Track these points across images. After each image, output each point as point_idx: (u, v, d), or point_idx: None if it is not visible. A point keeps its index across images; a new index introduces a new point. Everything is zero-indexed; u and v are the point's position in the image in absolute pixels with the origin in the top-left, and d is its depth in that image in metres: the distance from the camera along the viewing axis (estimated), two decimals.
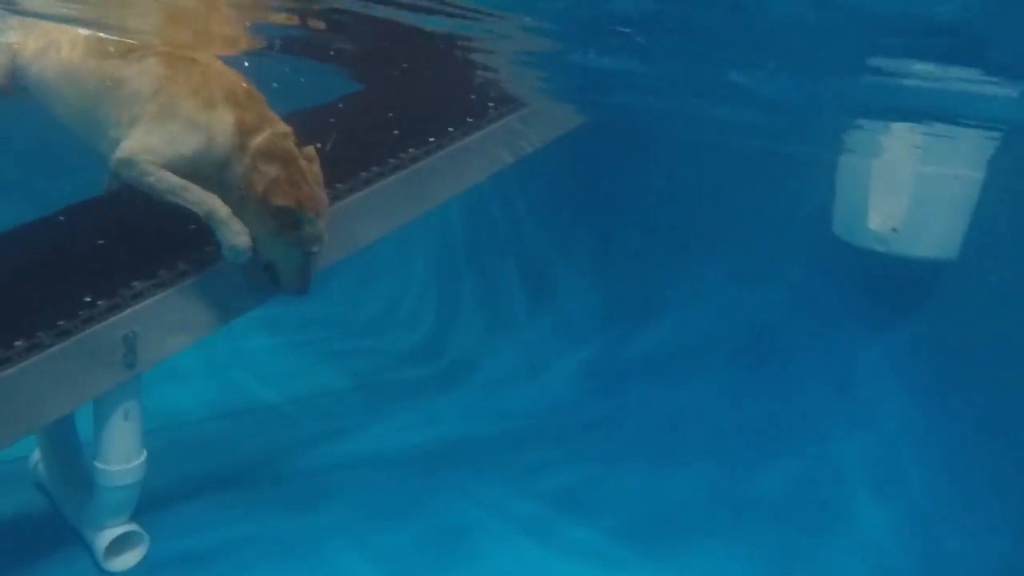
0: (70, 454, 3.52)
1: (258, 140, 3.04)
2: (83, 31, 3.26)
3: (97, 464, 3.11)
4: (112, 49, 3.17)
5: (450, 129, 3.81)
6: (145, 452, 3.19)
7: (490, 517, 3.91)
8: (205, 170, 3.05)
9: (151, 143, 3.00)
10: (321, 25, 3.34)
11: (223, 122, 3.03)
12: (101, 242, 3.27)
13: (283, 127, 3.14)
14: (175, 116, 3.02)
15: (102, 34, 3.25)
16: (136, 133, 3.03)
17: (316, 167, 3.16)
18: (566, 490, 4.23)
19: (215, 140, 3.03)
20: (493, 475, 4.33)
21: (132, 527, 3.27)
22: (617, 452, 4.68)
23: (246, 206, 3.04)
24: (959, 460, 4.02)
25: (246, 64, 3.78)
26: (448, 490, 4.12)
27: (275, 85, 3.40)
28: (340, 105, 4.24)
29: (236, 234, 3.01)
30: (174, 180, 2.99)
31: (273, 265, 3.15)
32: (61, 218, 3.46)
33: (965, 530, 3.85)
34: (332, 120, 3.99)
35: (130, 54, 3.14)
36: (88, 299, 2.95)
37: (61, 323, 2.86)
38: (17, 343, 2.78)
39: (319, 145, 3.23)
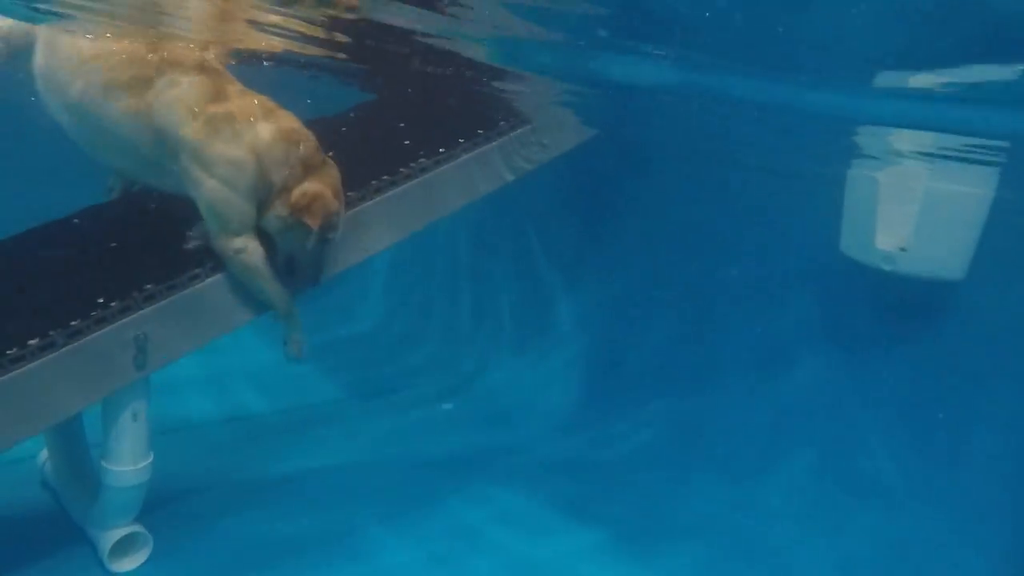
0: (77, 454, 3.54)
1: (298, 152, 3.11)
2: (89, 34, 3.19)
3: (104, 464, 3.14)
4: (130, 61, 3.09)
5: (461, 140, 3.86)
6: (152, 454, 3.22)
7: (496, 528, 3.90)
8: (260, 193, 3.12)
9: (214, 196, 3.04)
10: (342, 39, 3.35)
11: (267, 137, 3.08)
12: (114, 244, 3.32)
13: (313, 138, 3.20)
14: (226, 144, 3.03)
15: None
16: (204, 208, 3.08)
17: (334, 171, 3.26)
18: (573, 501, 4.20)
19: (263, 159, 3.07)
20: (500, 486, 4.30)
21: (137, 528, 3.29)
22: (626, 464, 4.66)
23: (273, 210, 3.14)
24: (970, 478, 4.00)
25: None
26: (454, 503, 4.11)
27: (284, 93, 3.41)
28: (352, 115, 4.30)
29: (300, 337, 3.33)
30: (265, 270, 3.16)
31: (290, 258, 3.22)
32: (76, 220, 3.51)
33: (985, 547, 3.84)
34: (345, 129, 4.05)
35: (153, 71, 3.07)
36: (101, 300, 2.99)
37: (74, 323, 2.90)
38: (31, 342, 2.82)
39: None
